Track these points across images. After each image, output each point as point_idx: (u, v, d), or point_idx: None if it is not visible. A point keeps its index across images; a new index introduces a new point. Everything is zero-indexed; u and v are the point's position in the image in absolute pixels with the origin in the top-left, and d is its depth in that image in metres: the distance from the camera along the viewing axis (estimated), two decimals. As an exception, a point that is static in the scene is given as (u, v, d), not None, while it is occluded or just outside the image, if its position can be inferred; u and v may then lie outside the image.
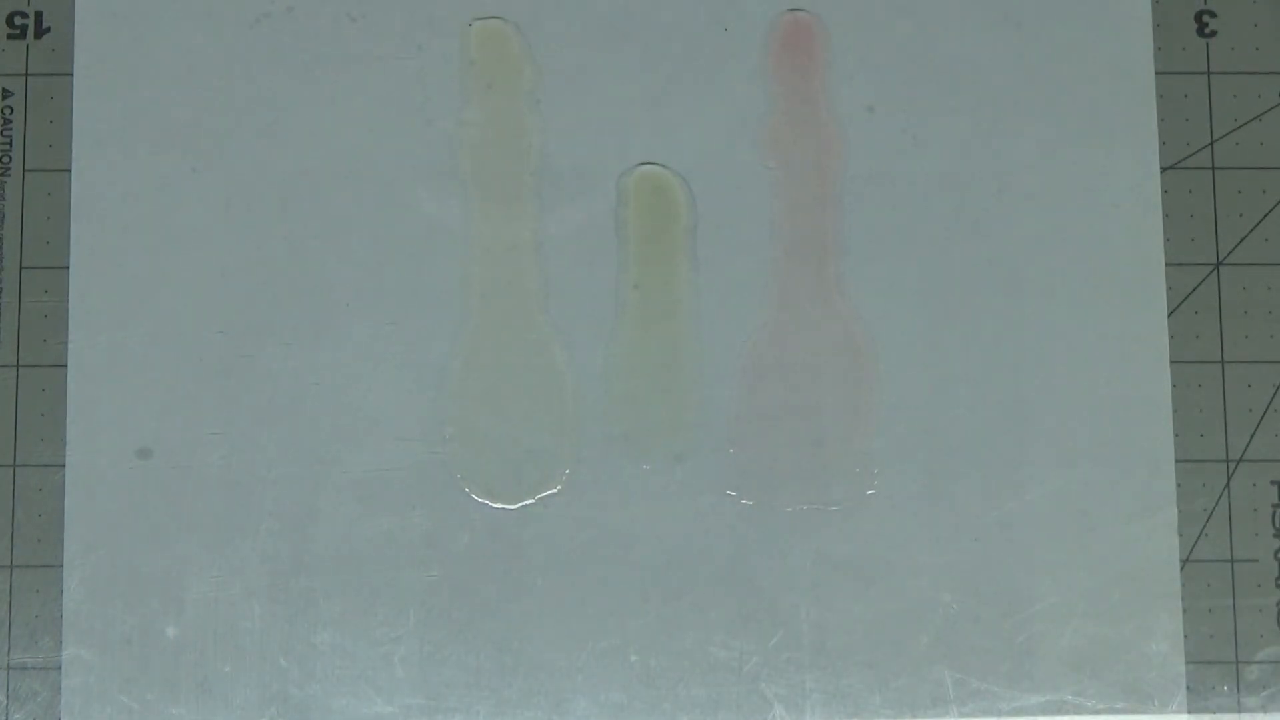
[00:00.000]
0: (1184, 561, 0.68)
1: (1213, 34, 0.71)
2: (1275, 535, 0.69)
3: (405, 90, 0.70)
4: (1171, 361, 0.69)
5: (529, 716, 0.67)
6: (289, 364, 0.69)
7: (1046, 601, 0.68)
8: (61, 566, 0.68)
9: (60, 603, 0.67)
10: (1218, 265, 0.70)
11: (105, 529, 0.68)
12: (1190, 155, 0.70)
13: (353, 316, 0.69)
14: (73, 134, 0.70)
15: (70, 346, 0.69)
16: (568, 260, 0.69)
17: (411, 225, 0.69)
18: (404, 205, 0.69)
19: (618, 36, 0.70)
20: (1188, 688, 0.68)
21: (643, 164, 0.70)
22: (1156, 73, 0.71)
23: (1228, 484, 0.69)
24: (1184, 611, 0.68)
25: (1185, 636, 0.68)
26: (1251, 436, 0.69)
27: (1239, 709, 0.68)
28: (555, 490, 0.68)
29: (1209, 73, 0.71)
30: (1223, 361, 0.69)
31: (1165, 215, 0.70)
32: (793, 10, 0.71)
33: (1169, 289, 0.70)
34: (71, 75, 0.70)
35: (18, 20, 0.70)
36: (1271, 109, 0.71)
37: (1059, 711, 0.67)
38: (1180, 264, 0.70)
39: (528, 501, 0.68)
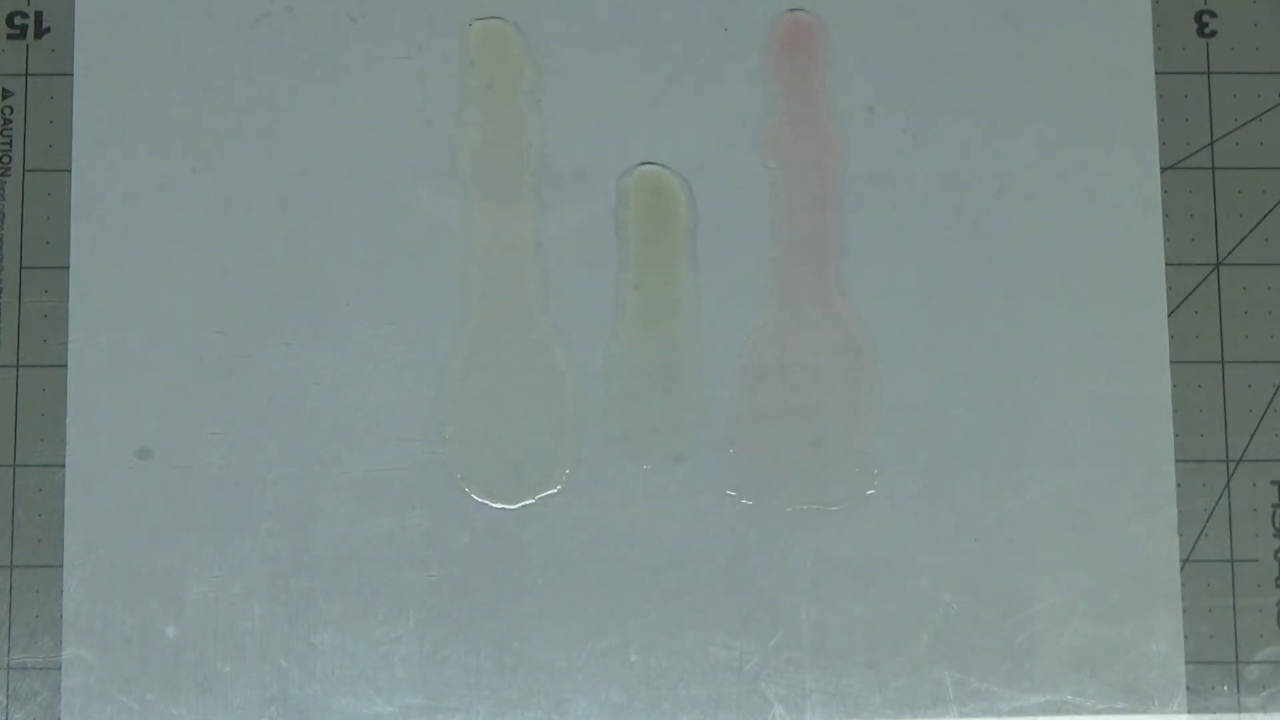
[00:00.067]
0: (1184, 561, 0.68)
1: (1213, 34, 0.71)
2: (1275, 535, 0.69)
3: (405, 90, 0.70)
4: (1171, 361, 0.69)
5: (529, 716, 0.67)
6: (289, 364, 0.69)
7: (1046, 601, 0.68)
8: (61, 566, 0.68)
9: (60, 603, 0.67)
10: (1218, 265, 0.70)
11: (105, 529, 0.68)
12: (1190, 155, 0.70)
13: (353, 316, 0.69)
14: (73, 134, 0.70)
15: (70, 346, 0.69)
16: (568, 260, 0.69)
17: (411, 225, 0.69)
18: (404, 205, 0.69)
19: (618, 36, 0.70)
20: (1188, 688, 0.68)
21: (643, 164, 0.70)
22: (1156, 73, 0.71)
23: (1228, 484, 0.69)
24: (1184, 611, 0.68)
25: (1185, 636, 0.68)
26: (1251, 436, 0.69)
27: (1239, 709, 0.68)
28: (555, 490, 0.68)
29: (1209, 73, 0.71)
30: (1223, 361, 0.69)
31: (1165, 215, 0.70)
32: (793, 10, 0.71)
33: (1169, 289, 0.70)
34: (71, 75, 0.70)
35: (18, 20, 0.70)
36: (1271, 109, 0.71)
37: (1059, 711, 0.67)
38: (1180, 264, 0.70)
39: (528, 501, 0.68)
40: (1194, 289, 0.70)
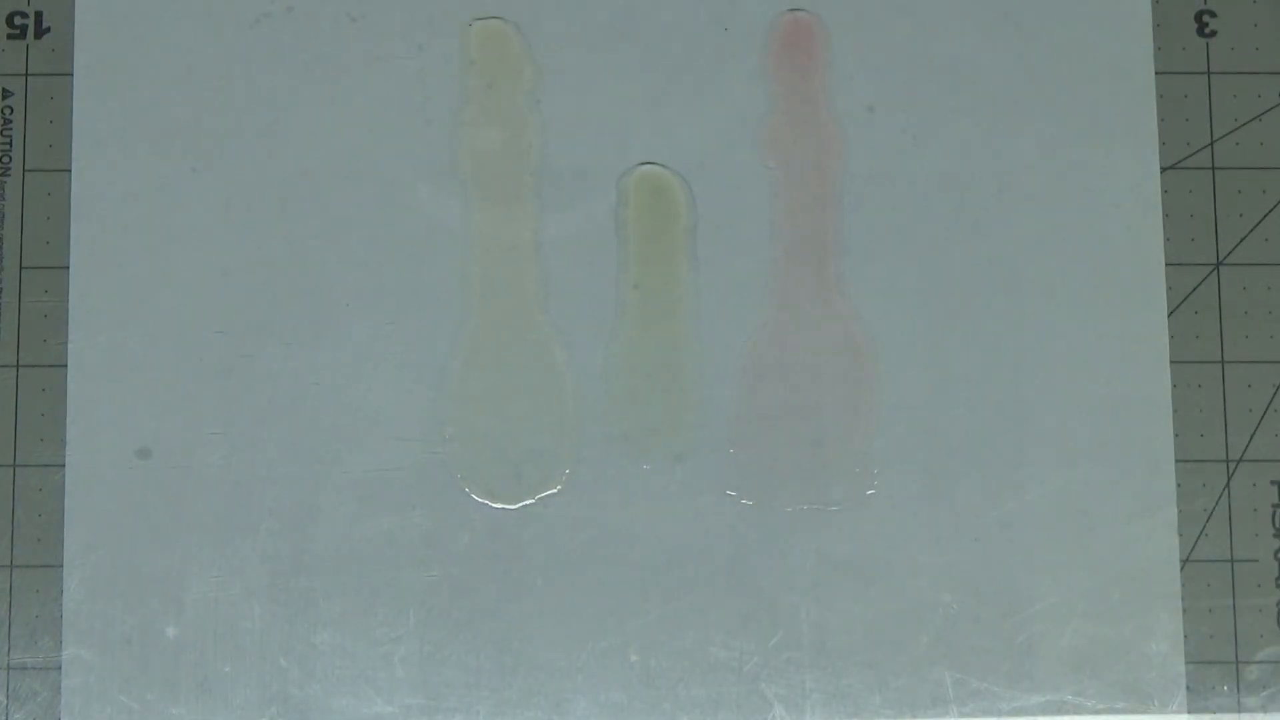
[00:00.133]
0: (1184, 561, 0.68)
1: (1213, 34, 0.71)
2: (1275, 535, 0.69)
3: (405, 90, 0.70)
4: (1171, 361, 0.69)
5: (529, 716, 0.67)
6: (289, 364, 0.69)
7: (1046, 601, 0.68)
8: (61, 566, 0.68)
9: (60, 603, 0.67)
10: (1218, 265, 0.70)
11: (105, 529, 0.68)
12: (1190, 155, 0.70)
13: (353, 316, 0.69)
14: (73, 134, 0.70)
15: (70, 346, 0.69)
16: (568, 260, 0.69)
17: (411, 225, 0.69)
18: (404, 205, 0.69)
19: (618, 36, 0.70)
20: (1188, 688, 0.68)
21: (643, 164, 0.70)
22: (1156, 73, 0.71)
23: (1228, 484, 0.69)
24: (1184, 611, 0.68)
25: (1185, 636, 0.68)
26: (1251, 436, 0.69)
27: (1239, 709, 0.68)
28: (555, 490, 0.68)
29: (1209, 73, 0.71)
30: (1223, 361, 0.69)
31: (1165, 215, 0.70)
32: (793, 10, 0.71)
33: (1169, 289, 0.70)
34: (71, 75, 0.70)
35: (18, 20, 0.70)
36: (1271, 109, 0.71)
37: (1059, 711, 0.67)
38: (1180, 264, 0.70)
39: (528, 501, 0.68)
40: (1194, 289, 0.70)
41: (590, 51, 0.70)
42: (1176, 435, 0.69)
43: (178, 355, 0.68)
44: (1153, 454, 0.69)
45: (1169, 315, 0.69)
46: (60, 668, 0.67)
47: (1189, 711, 0.68)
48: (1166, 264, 0.70)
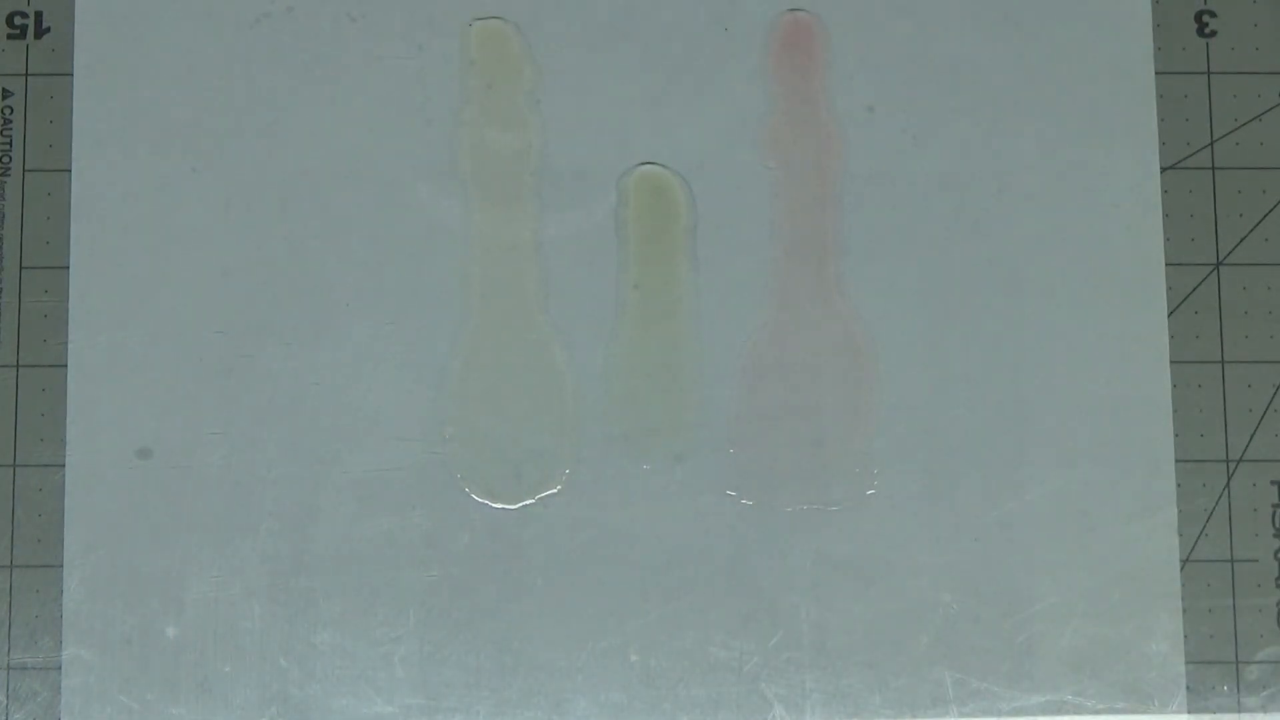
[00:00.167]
0: (1184, 561, 0.68)
1: (1213, 34, 0.71)
2: (1275, 535, 0.69)
3: (405, 90, 0.70)
4: (1171, 361, 0.69)
5: (529, 716, 0.67)
6: (289, 364, 0.69)
7: (1046, 601, 0.68)
8: (61, 566, 0.68)
9: (60, 603, 0.67)
10: (1218, 265, 0.70)
11: (105, 529, 0.68)
12: (1190, 155, 0.70)
13: (353, 316, 0.69)
14: (73, 134, 0.70)
15: (70, 346, 0.69)
16: (568, 260, 0.69)
17: (411, 225, 0.69)
18: (404, 205, 0.69)
19: (618, 36, 0.70)
20: (1188, 688, 0.68)
21: (643, 164, 0.70)
22: (1156, 73, 0.71)
23: (1228, 484, 0.69)
24: (1184, 611, 0.68)
25: (1185, 636, 0.68)
26: (1251, 436, 0.69)
27: (1239, 709, 0.68)
28: (555, 490, 0.68)
29: (1209, 73, 0.71)
30: (1223, 361, 0.69)
31: (1165, 215, 0.70)
32: (793, 10, 0.71)
33: (1169, 289, 0.70)
34: (71, 75, 0.70)
35: (18, 20, 0.70)
36: (1271, 109, 0.71)
37: (1059, 711, 0.67)
38: (1180, 264, 0.70)
39: (528, 501, 0.68)
40: (1194, 289, 0.70)
41: (590, 51, 0.70)
42: (1176, 435, 0.69)
43: (178, 355, 0.68)
44: (1153, 454, 0.69)
45: (1169, 315, 0.69)
46: (60, 668, 0.67)
47: (1189, 711, 0.68)
48: (1166, 264, 0.70)
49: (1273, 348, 0.70)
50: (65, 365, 0.68)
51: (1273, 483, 0.69)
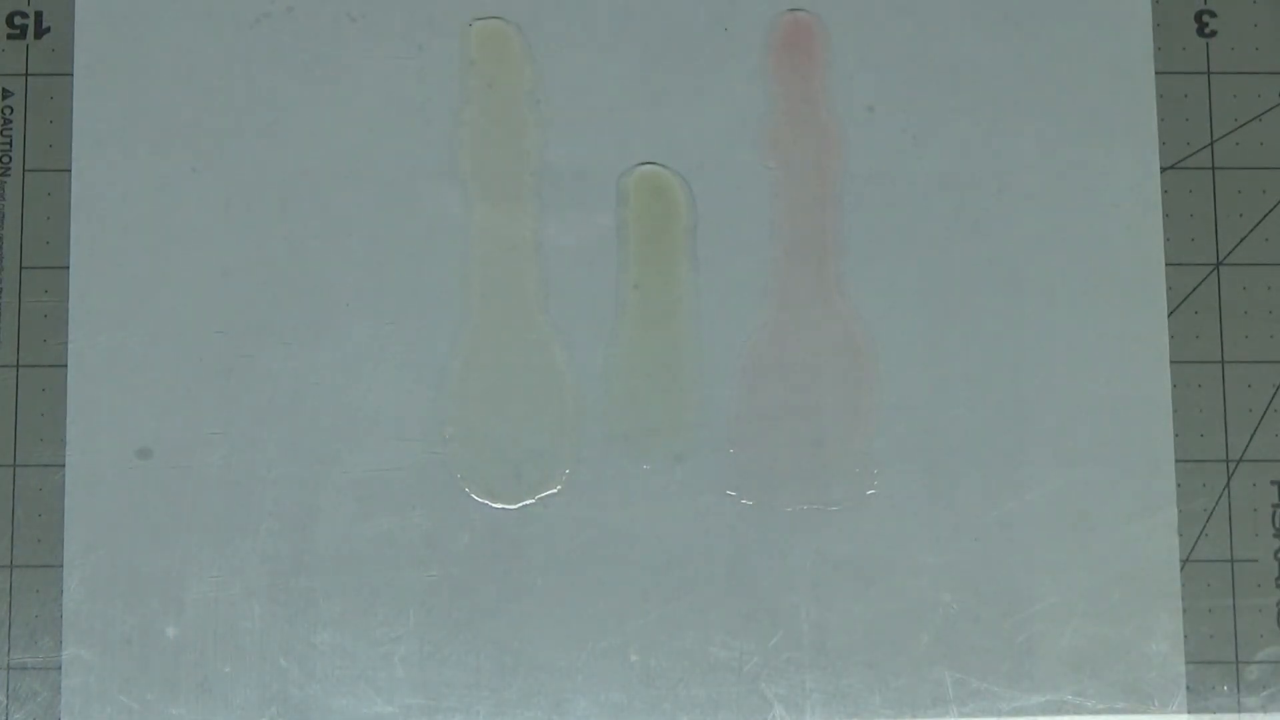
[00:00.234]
0: (1184, 561, 0.68)
1: (1213, 34, 0.71)
2: (1275, 535, 0.69)
3: (405, 90, 0.70)
4: (1171, 361, 0.69)
5: (529, 716, 0.67)
6: (289, 364, 0.69)
7: (1046, 601, 0.68)
8: (61, 566, 0.68)
9: (60, 603, 0.67)
10: (1218, 265, 0.70)
11: (105, 529, 0.68)
12: (1190, 155, 0.70)
13: (353, 316, 0.69)
14: (73, 134, 0.70)
15: (70, 346, 0.69)
16: (568, 260, 0.69)
17: (411, 225, 0.69)
18: (404, 205, 0.69)
19: (618, 36, 0.70)
20: (1188, 688, 0.68)
21: (643, 164, 0.70)
22: (1156, 73, 0.71)
23: (1228, 484, 0.69)
24: (1184, 611, 0.68)
25: (1185, 636, 0.68)
26: (1251, 436, 0.69)
27: (1239, 709, 0.68)
28: (555, 490, 0.68)
29: (1209, 73, 0.71)
30: (1223, 361, 0.69)
31: (1165, 215, 0.70)
32: (793, 10, 0.71)
33: (1169, 289, 0.70)
34: (71, 75, 0.70)
35: (18, 20, 0.70)
36: (1271, 109, 0.71)
37: (1059, 711, 0.67)
38: (1180, 264, 0.70)
39: (528, 501, 0.68)
40: (1194, 289, 0.70)
41: (590, 51, 0.70)
42: (1176, 435, 0.69)
43: (178, 355, 0.68)
44: (1153, 454, 0.69)
45: (1169, 315, 0.69)
46: (60, 668, 0.67)
47: (1189, 711, 0.68)
48: (1166, 264, 0.70)
49: (1273, 348, 0.70)
50: (65, 365, 0.68)
51: (1273, 483, 0.69)
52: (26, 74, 0.70)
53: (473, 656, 0.67)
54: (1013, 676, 0.68)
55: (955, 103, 0.70)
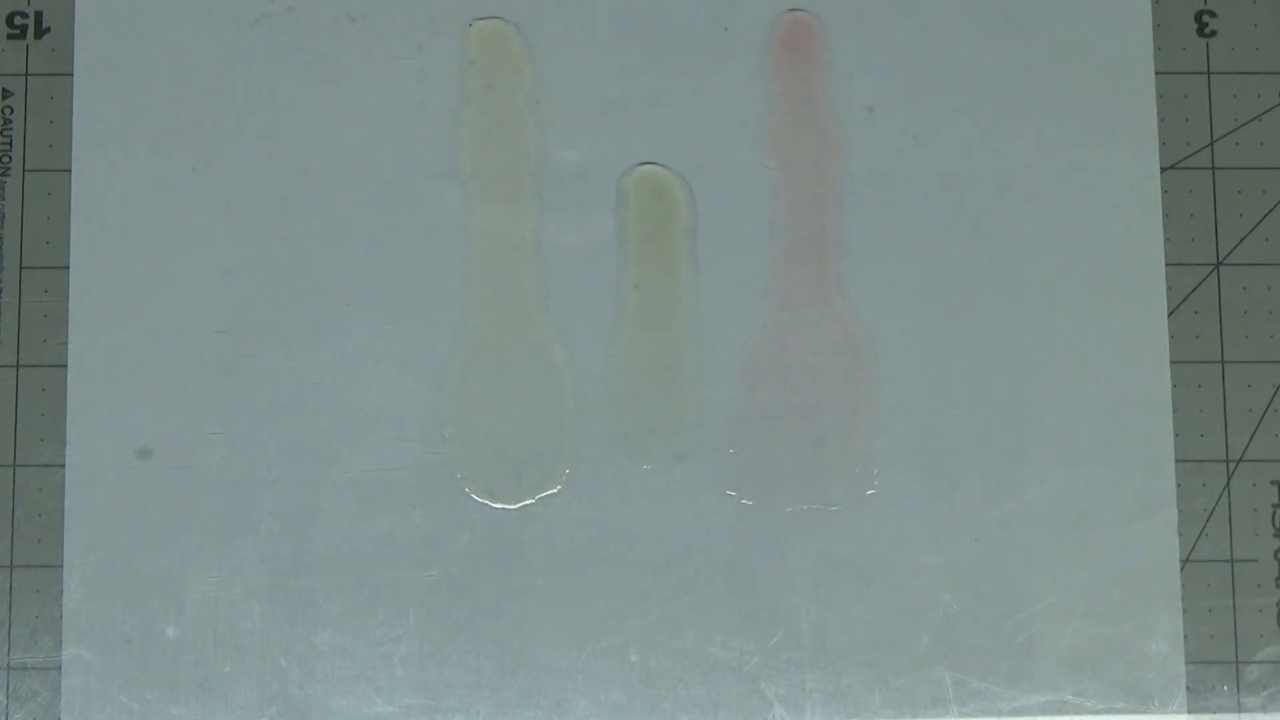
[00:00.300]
0: (1184, 561, 0.68)
1: (1213, 34, 0.71)
2: (1275, 535, 0.69)
3: (405, 90, 0.70)
4: (1171, 361, 0.69)
5: (529, 716, 0.67)
6: (289, 364, 0.69)
7: (1046, 601, 0.68)
8: (61, 566, 0.68)
9: (60, 603, 0.67)
10: (1218, 265, 0.70)
11: (105, 529, 0.68)
12: (1190, 155, 0.70)
13: (353, 316, 0.69)
14: (73, 134, 0.70)
15: (70, 346, 0.69)
16: (568, 260, 0.69)
17: (411, 225, 0.69)
18: (404, 205, 0.69)
19: (618, 36, 0.70)
20: (1188, 688, 0.68)
21: (643, 164, 0.70)
22: (1156, 73, 0.71)
23: (1228, 484, 0.69)
24: (1184, 611, 0.68)
25: (1185, 636, 0.68)
26: (1251, 436, 0.69)
27: (1239, 709, 0.68)
28: (555, 490, 0.68)
29: (1209, 73, 0.71)
30: (1223, 361, 0.69)
31: (1165, 215, 0.70)
32: (793, 10, 0.71)
33: (1169, 289, 0.70)
34: (71, 75, 0.70)
35: (18, 20, 0.70)
36: (1271, 109, 0.71)
37: (1059, 711, 0.67)
38: (1180, 264, 0.70)
39: (528, 501, 0.68)
40: (1194, 289, 0.70)
41: (590, 51, 0.70)
42: (1176, 435, 0.69)
43: (178, 355, 0.68)
44: (1153, 454, 0.69)
45: (1169, 315, 0.69)
46: (60, 668, 0.67)
47: (1189, 711, 0.68)
48: (1166, 264, 0.70)
49: (1273, 348, 0.70)
50: (65, 365, 0.68)
51: (1273, 483, 0.69)
52: (26, 74, 0.70)
53: (473, 656, 0.67)
54: (1013, 676, 0.68)
55: (955, 103, 0.70)
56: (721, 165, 0.70)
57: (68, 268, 0.69)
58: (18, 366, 0.69)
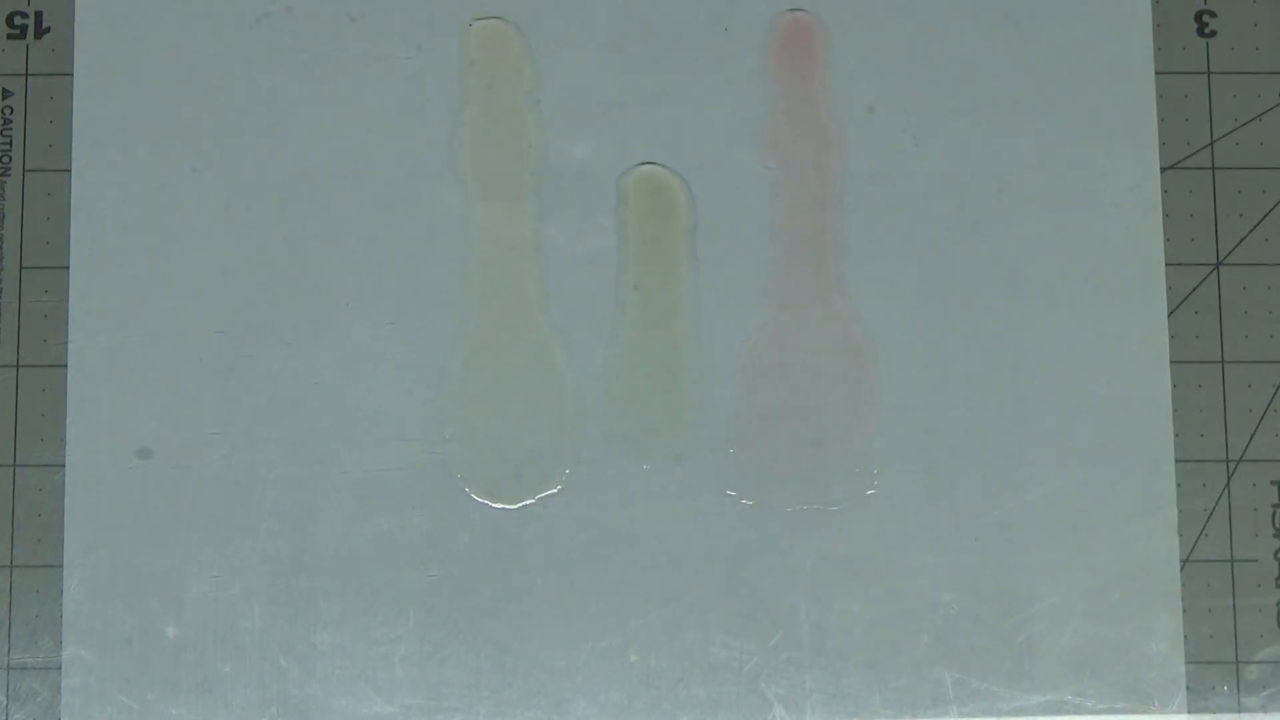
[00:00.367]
0: (1184, 561, 0.68)
1: (1213, 34, 0.71)
2: (1275, 535, 0.69)
3: (405, 90, 0.70)
4: (1171, 361, 0.69)
5: (529, 716, 0.67)
6: (289, 364, 0.69)
7: (1046, 601, 0.68)
8: (61, 566, 0.68)
9: (60, 603, 0.67)
10: (1218, 265, 0.70)
11: (105, 529, 0.68)
12: (1190, 155, 0.70)
13: (353, 316, 0.69)
14: (73, 134, 0.70)
15: (70, 346, 0.69)
16: (568, 260, 0.69)
17: (411, 225, 0.69)
18: (404, 205, 0.69)
19: (618, 36, 0.70)
20: (1188, 688, 0.68)
21: (643, 164, 0.70)
22: (1156, 73, 0.71)
23: (1228, 484, 0.69)
24: (1184, 611, 0.68)
25: (1185, 636, 0.68)
26: (1251, 436, 0.69)
27: (1239, 709, 0.68)
28: (555, 490, 0.68)
29: (1209, 73, 0.71)
30: (1223, 361, 0.69)
31: (1165, 215, 0.70)
32: (793, 10, 0.71)
33: (1169, 289, 0.70)
34: (71, 75, 0.70)
35: (18, 20, 0.70)
36: (1271, 109, 0.71)
37: (1059, 711, 0.67)
38: (1180, 264, 0.70)
39: (528, 501, 0.68)
40: (1194, 289, 0.70)
41: (590, 51, 0.70)
42: (1176, 435, 0.69)
43: (178, 355, 0.68)
44: (1153, 454, 0.69)
45: (1169, 315, 0.69)
46: (60, 668, 0.67)
47: (1189, 711, 0.68)
48: (1166, 264, 0.70)
49: (1273, 348, 0.70)
50: (65, 365, 0.68)
51: (1273, 483, 0.69)
52: (26, 74, 0.70)
53: (473, 656, 0.67)
54: (1013, 676, 0.68)
55: (955, 103, 0.70)
56: (721, 165, 0.70)
57: (68, 268, 0.69)
58: (18, 366, 0.69)
